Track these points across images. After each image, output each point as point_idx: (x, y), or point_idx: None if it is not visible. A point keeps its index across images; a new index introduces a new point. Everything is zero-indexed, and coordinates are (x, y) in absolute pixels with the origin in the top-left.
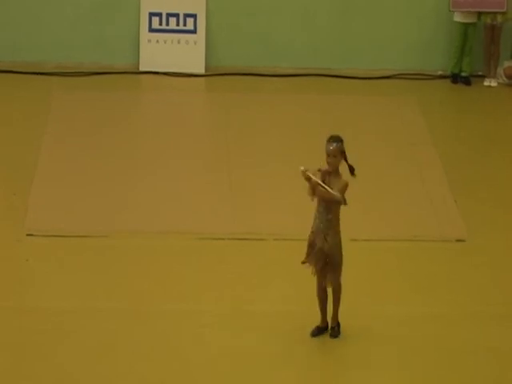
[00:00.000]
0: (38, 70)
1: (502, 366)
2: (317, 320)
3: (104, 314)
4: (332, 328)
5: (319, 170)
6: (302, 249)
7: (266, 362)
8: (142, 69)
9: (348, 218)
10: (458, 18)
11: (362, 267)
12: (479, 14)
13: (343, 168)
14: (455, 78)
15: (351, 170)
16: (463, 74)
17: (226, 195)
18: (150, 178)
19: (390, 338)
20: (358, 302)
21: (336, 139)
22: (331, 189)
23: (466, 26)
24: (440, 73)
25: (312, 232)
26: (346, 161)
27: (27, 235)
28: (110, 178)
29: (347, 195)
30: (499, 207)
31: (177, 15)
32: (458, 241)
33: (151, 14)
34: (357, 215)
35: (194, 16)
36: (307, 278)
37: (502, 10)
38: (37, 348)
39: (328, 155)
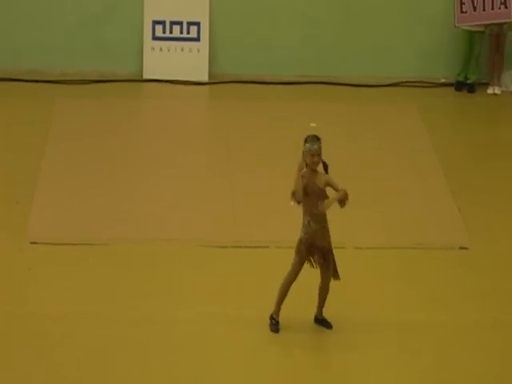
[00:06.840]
0: (40, 78)
1: (503, 371)
2: (314, 325)
3: (106, 320)
4: (324, 319)
5: (302, 177)
6: None
7: (267, 367)
8: (145, 77)
9: (351, 227)
10: (464, 26)
11: (366, 275)
12: None
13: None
14: (459, 86)
15: (326, 167)
16: (468, 81)
17: (228, 202)
18: (152, 186)
19: (391, 345)
20: (361, 310)
21: (318, 138)
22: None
23: (472, 33)
24: (443, 80)
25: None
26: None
27: (30, 243)
28: (112, 186)
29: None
30: (502, 214)
31: (180, 23)
32: (461, 248)
33: (155, 22)
34: (359, 223)
35: (198, 24)
36: (309, 285)
37: (508, 20)
38: (37, 353)
39: (313, 155)
